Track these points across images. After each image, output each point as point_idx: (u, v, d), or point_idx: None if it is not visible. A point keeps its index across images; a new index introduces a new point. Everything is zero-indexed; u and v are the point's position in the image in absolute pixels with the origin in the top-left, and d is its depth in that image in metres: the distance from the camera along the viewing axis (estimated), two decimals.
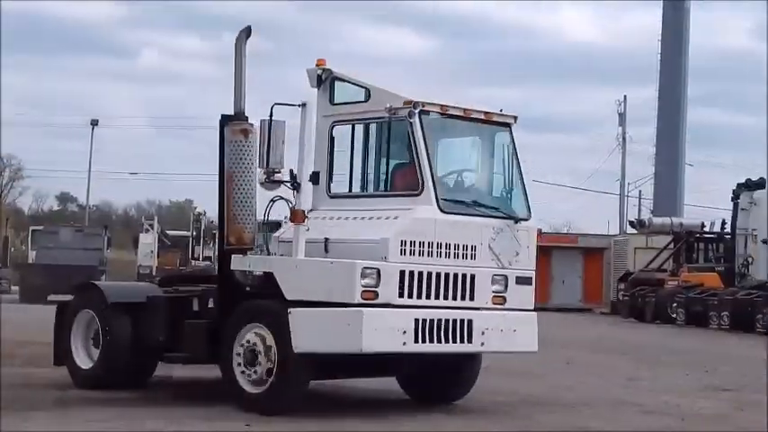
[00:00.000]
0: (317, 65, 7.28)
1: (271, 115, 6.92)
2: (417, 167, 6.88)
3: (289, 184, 6.95)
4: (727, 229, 21.61)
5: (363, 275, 6.51)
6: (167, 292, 8.23)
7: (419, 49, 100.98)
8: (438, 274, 6.86)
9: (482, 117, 7.39)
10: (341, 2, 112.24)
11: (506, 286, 7.24)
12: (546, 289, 29.67)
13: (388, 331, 6.58)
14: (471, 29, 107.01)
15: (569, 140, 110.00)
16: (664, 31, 43.57)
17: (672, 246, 23.07)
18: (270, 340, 6.75)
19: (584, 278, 33.61)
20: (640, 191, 49.75)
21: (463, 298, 7.01)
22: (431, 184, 6.86)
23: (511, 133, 7.60)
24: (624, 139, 49.11)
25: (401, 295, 6.67)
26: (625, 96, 50.11)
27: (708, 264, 21.06)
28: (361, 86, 7.23)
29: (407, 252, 6.76)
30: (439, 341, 6.77)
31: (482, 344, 7.10)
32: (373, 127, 7.39)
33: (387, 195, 7.29)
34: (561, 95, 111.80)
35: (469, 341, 6.96)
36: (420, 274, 6.76)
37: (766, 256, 15.53)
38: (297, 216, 6.81)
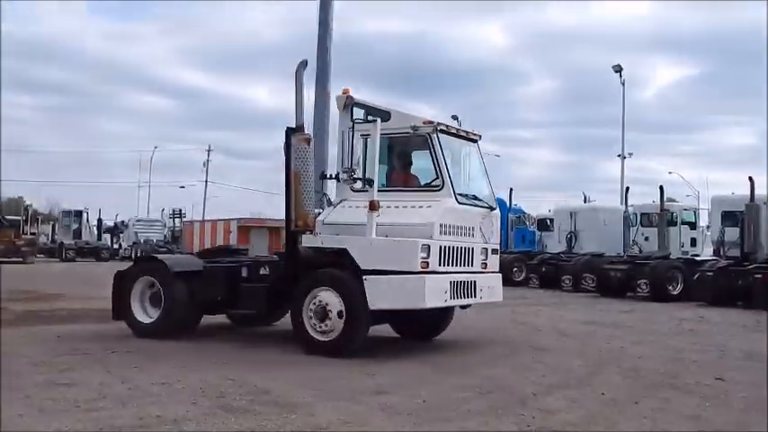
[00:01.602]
0: (343, 93, 9.33)
1: (353, 129, 8.73)
2: (437, 170, 8.90)
3: (361, 182, 8.74)
4: None
5: (421, 250, 8.37)
6: (210, 263, 10.24)
7: None
8: (457, 248, 8.94)
9: (465, 135, 9.62)
10: None
11: (487, 256, 9.62)
12: None
13: (438, 291, 8.59)
14: None
15: None
16: None
17: None
18: (339, 300, 8.45)
19: (269, 247, 39.48)
20: None
21: (468, 264, 9.18)
22: (449, 182, 8.88)
23: (479, 147, 10.01)
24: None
25: (440, 264, 8.62)
26: None
27: None
28: (383, 110, 9.08)
29: (443, 232, 8.74)
30: (462, 297, 9.05)
31: (481, 297, 9.42)
32: (392, 140, 9.27)
33: (411, 190, 9.30)
34: None
35: (475, 296, 9.27)
36: (449, 248, 8.81)
37: None
38: (373, 205, 8.53)
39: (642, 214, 25.53)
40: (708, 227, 25.39)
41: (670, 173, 77.67)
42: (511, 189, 30.08)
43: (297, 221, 9.00)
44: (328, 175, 9.39)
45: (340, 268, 8.69)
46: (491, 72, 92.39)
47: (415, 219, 8.73)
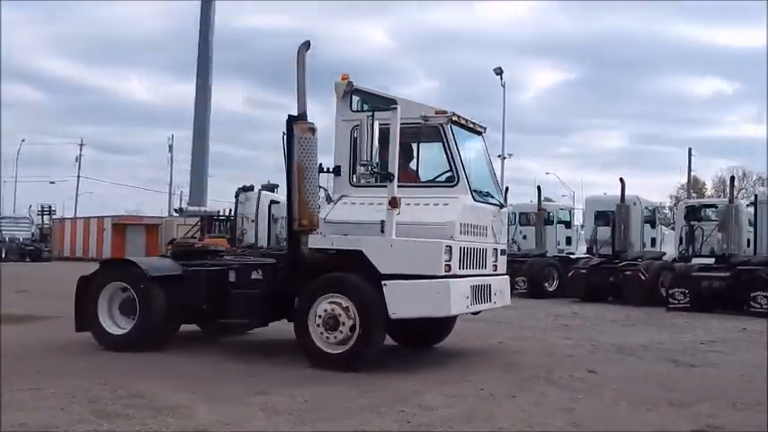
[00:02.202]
0: (342, 79, 8.49)
1: (373, 117, 7.72)
2: (452, 164, 8.22)
3: (377, 177, 7.97)
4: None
5: (444, 252, 7.72)
6: (189, 266, 9.29)
7: None
8: (474, 249, 8.33)
9: (473, 126, 8.98)
10: None
11: (497, 257, 9.00)
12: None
13: (461, 297, 8.00)
14: None
15: None
16: None
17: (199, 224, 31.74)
18: (351, 308, 7.69)
19: (147, 245, 45.65)
20: (182, 190, 62.93)
21: (482, 267, 8.57)
22: (465, 177, 8.22)
23: (484, 140, 9.40)
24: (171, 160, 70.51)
25: (460, 267, 7.98)
26: None
27: (221, 234, 28.00)
28: (388, 98, 8.33)
29: (462, 232, 8.10)
30: (480, 302, 8.45)
31: (494, 302, 8.85)
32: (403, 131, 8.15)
33: (423, 186, 8.52)
34: None
35: (490, 300, 8.69)
36: (468, 249, 8.18)
37: (254, 229, 23.89)
38: (394, 202, 7.74)
39: (521, 213, 26.30)
40: (582, 226, 26.52)
41: (547, 173, 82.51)
42: None
43: (301, 220, 8.09)
44: (326, 169, 8.52)
45: (350, 272, 7.96)
46: (373, 71, 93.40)
47: (433, 217, 8.04)
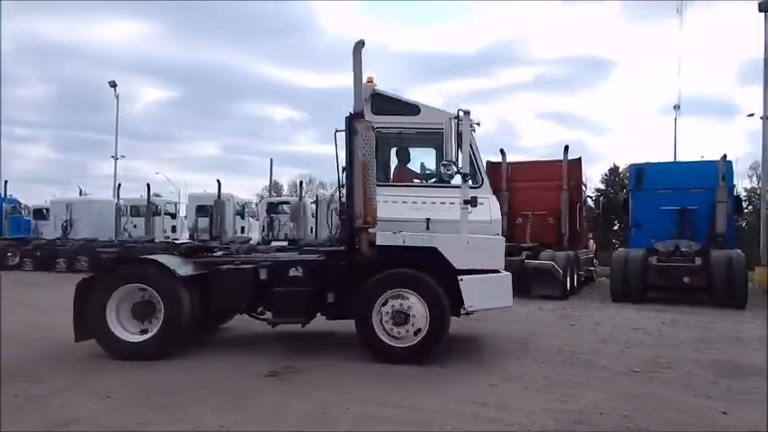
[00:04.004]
0: (368, 82, 8.51)
1: (458, 118, 8.06)
2: (477, 167, 8.47)
3: (460, 177, 8.16)
4: None
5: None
6: (208, 265, 8.85)
7: None
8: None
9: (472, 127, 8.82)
10: None
11: None
12: None
13: (511, 290, 8.49)
14: None
15: None
16: None
17: None
18: (422, 303, 7.93)
19: None
20: None
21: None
22: (486, 179, 8.73)
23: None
24: None
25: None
26: None
27: None
28: (410, 104, 8.68)
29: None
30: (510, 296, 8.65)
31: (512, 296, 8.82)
32: (422, 135, 8.80)
33: (451, 186, 8.42)
34: None
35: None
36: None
37: None
38: (474, 201, 8.12)
39: (132, 206, 30.24)
40: (185, 217, 31.41)
41: (157, 173, 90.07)
42: (6, 181, 31.69)
43: (366, 217, 8.04)
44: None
45: (413, 268, 8.08)
46: None
47: (477, 215, 8.23)
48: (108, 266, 8.65)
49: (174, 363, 7.95)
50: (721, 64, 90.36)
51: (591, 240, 25.69)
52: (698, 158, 24.03)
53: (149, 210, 28.81)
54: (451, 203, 8.31)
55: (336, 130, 8.40)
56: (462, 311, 8.16)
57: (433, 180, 8.88)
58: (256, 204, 36.10)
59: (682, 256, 17.21)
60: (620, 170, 54.60)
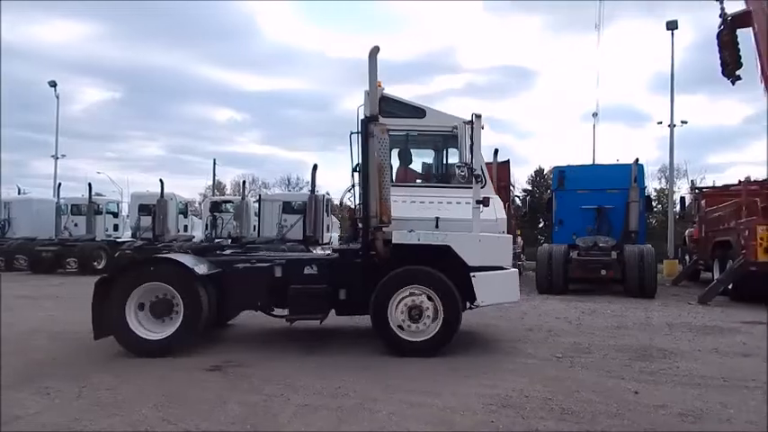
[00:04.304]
0: (376, 86, 8.51)
1: (472, 122, 8.34)
2: (480, 167, 8.49)
3: (474, 179, 8.40)
4: None
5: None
6: (223, 262, 9.09)
7: None
8: None
9: None
10: None
11: None
12: None
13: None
14: None
15: None
16: None
17: None
18: (435, 298, 8.19)
19: None
20: None
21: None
22: (489, 179, 8.90)
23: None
24: None
25: None
26: None
27: None
28: (417, 107, 8.85)
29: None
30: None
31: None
32: (426, 137, 9.18)
33: (458, 187, 8.69)
34: None
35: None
36: None
37: None
38: (486, 201, 8.40)
39: (73, 205, 30.05)
40: (128, 215, 31.07)
41: (99, 173, 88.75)
42: None
43: (381, 216, 8.29)
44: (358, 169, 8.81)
45: (428, 265, 8.32)
46: None
47: (486, 214, 8.49)
48: (127, 266, 8.96)
49: (118, 360, 8.11)
50: (634, 76, 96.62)
51: (519, 237, 26.96)
52: (614, 162, 25.91)
53: (91, 208, 28.92)
54: (458, 203, 8.62)
55: (351, 132, 8.74)
56: (473, 306, 8.53)
57: (437, 180, 9.24)
58: (199, 203, 36.40)
59: (599, 250, 18.62)
60: (545, 172, 57.16)
